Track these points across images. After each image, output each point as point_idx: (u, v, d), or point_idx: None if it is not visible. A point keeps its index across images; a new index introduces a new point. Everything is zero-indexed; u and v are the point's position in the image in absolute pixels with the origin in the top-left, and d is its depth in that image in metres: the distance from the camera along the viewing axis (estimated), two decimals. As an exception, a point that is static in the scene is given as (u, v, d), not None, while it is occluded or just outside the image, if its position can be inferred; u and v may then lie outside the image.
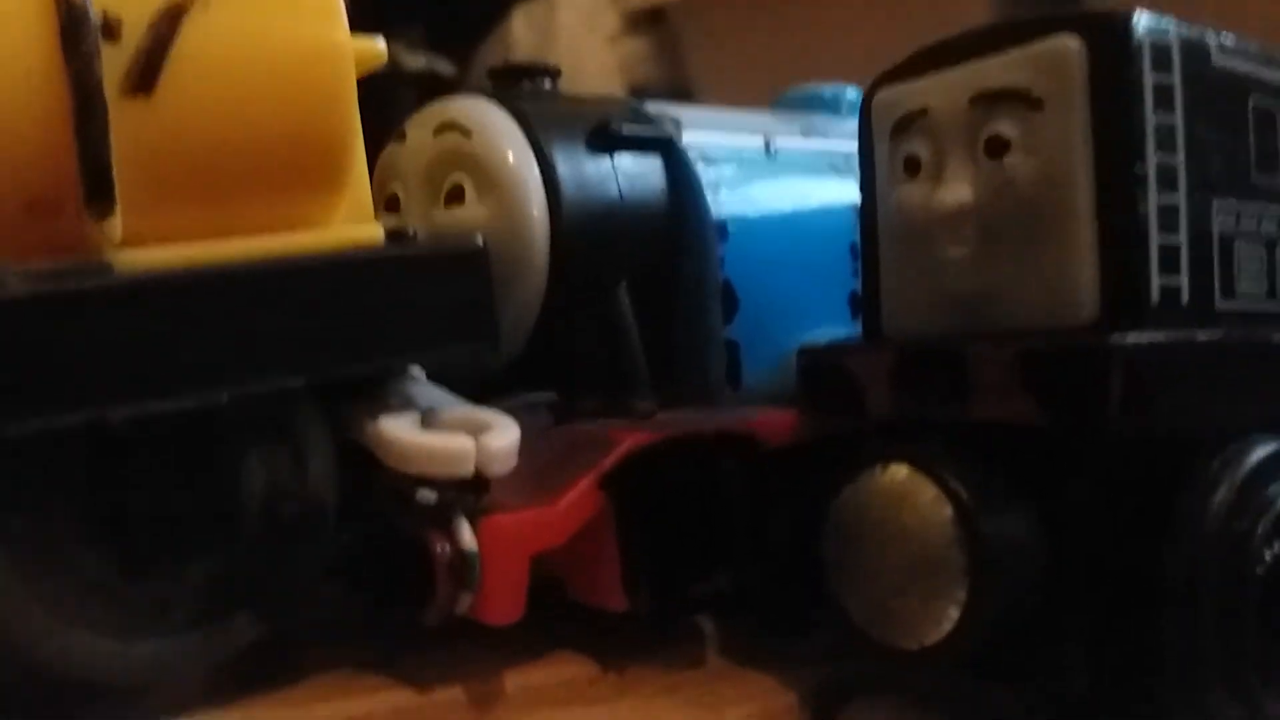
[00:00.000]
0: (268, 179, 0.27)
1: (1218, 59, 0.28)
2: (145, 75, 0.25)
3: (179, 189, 0.26)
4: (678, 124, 0.38)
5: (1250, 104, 0.29)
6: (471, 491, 0.28)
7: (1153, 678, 0.26)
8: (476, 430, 0.28)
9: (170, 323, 0.25)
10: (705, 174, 0.37)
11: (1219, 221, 0.28)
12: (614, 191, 0.36)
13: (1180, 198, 0.27)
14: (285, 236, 0.28)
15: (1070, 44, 0.27)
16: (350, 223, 0.29)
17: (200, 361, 0.26)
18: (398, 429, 0.28)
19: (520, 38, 1.07)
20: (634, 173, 0.36)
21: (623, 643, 0.31)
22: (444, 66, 1.04)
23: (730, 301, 0.37)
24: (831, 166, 0.41)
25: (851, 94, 0.45)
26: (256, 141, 0.27)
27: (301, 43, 0.27)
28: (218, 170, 0.27)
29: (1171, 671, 0.25)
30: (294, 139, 0.27)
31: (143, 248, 0.26)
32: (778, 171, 0.39)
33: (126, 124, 0.25)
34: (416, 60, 1.00)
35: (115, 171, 0.24)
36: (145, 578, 0.27)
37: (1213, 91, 0.28)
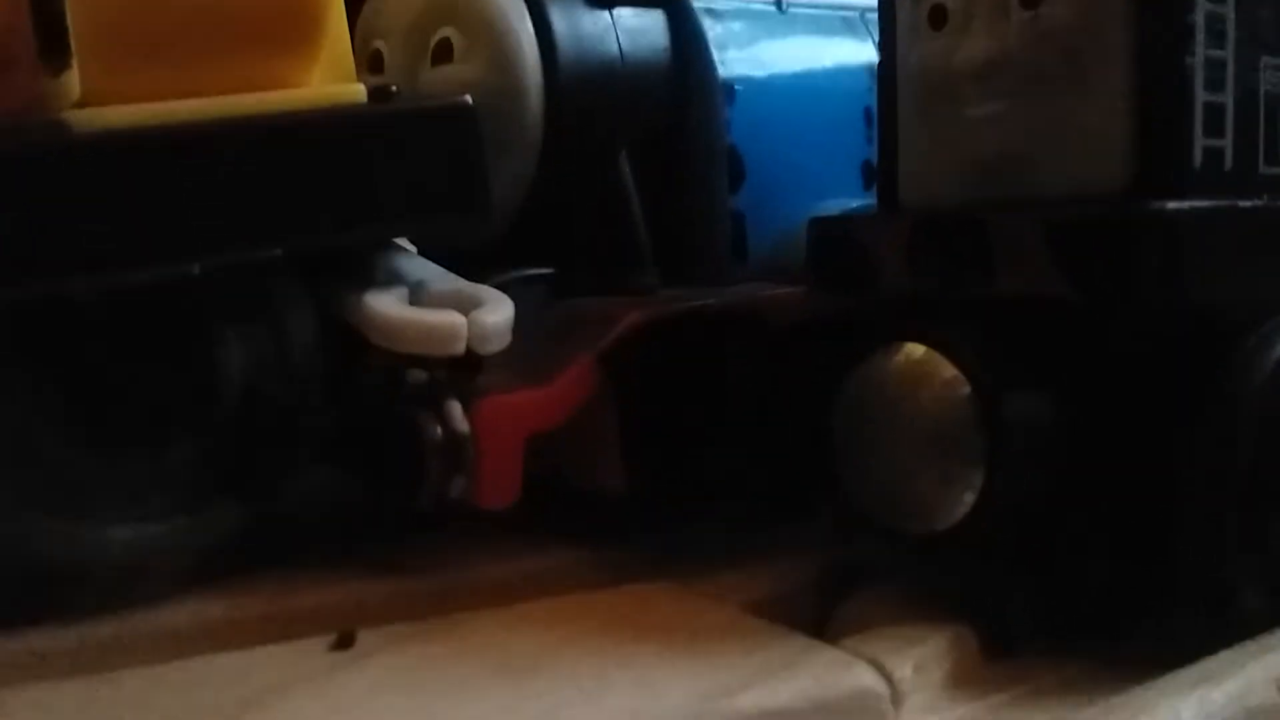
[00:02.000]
0: (237, 32, 0.26)
1: (1272, -112, 0.26)
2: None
3: (140, 43, 0.25)
4: (682, -25, 0.36)
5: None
6: (463, 371, 0.28)
7: (1175, 567, 0.25)
8: (468, 306, 0.28)
9: (133, 187, 0.24)
10: (711, 31, 0.35)
11: (1267, 79, 0.26)
12: (614, 49, 0.34)
13: (1229, 52, 0.25)
14: (258, 96, 0.26)
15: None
16: (329, 83, 0.28)
17: (167, 230, 0.25)
18: (385, 305, 0.27)
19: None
20: (635, 28, 0.35)
21: (622, 528, 0.31)
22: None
23: (737, 170, 0.35)
24: (846, 24, 0.39)
25: (869, -55, 0.42)
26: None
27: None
28: (182, 22, 0.25)
29: (1194, 560, 0.25)
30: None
31: (104, 107, 0.24)
32: (789, 29, 0.38)
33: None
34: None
35: (70, 21, 0.23)
36: (121, 461, 0.26)
37: (1267, -70, 0.26)
